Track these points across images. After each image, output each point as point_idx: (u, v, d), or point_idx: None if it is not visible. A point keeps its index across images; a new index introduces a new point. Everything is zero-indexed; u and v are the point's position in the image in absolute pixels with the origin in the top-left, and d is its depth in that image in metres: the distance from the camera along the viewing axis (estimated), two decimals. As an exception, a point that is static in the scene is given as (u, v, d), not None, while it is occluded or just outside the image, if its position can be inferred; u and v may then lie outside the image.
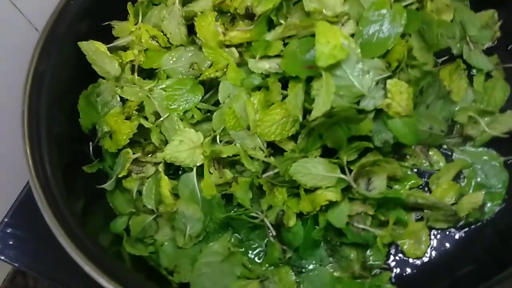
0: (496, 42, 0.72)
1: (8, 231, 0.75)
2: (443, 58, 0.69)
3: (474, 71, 0.70)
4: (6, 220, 0.76)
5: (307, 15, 0.60)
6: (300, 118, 0.54)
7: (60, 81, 0.64)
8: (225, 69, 0.59)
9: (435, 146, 0.64)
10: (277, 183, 0.58)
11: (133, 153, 0.63)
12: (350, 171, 0.56)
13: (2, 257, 0.73)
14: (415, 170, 0.63)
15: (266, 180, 0.58)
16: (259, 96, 0.56)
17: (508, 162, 0.62)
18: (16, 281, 0.87)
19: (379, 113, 0.55)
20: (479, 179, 0.61)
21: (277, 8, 0.58)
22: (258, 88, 0.58)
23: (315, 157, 0.56)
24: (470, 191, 0.60)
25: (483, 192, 0.59)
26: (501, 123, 0.63)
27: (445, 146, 0.64)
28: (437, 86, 0.62)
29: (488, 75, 0.69)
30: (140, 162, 0.64)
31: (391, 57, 0.55)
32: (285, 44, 0.58)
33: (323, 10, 0.57)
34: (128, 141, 0.63)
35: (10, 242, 0.75)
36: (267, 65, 0.58)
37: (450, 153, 0.64)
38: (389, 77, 0.54)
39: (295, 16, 0.62)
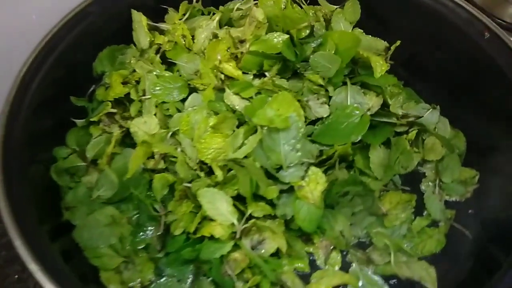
0: (463, 200, 0.72)
1: None
2: (407, 188, 0.72)
3: (425, 212, 0.71)
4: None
5: (300, 79, 0.68)
6: (229, 155, 0.60)
7: (100, 26, 0.76)
8: (205, 86, 0.68)
9: (341, 250, 0.66)
10: (190, 196, 0.64)
11: (113, 109, 0.74)
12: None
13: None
14: (311, 258, 0.66)
15: (182, 188, 0.64)
16: (215, 121, 0.64)
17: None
18: None
19: (293, 190, 0.60)
20: (354, 300, 0.62)
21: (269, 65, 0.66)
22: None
23: (227, 195, 0.62)
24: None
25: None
26: (410, 268, 0.64)
27: (349, 256, 0.66)
28: (370, 201, 0.65)
29: (434, 223, 0.70)
30: (112, 119, 0.74)
31: (328, 150, 0.60)
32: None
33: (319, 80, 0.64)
34: (113, 99, 0.74)
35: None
36: (236, 102, 0.65)
37: (350, 263, 0.66)
38: (315, 165, 0.59)
39: (292, 78, 0.70)
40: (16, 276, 0.80)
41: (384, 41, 0.80)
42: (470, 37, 0.74)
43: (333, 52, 0.65)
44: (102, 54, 0.78)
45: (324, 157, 0.60)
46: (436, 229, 0.69)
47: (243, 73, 0.68)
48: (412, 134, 0.69)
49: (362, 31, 0.81)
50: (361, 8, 0.81)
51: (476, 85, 0.76)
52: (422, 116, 0.71)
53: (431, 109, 0.75)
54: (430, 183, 0.73)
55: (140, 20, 0.79)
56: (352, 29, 0.80)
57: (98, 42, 0.79)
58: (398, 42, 0.77)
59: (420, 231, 0.68)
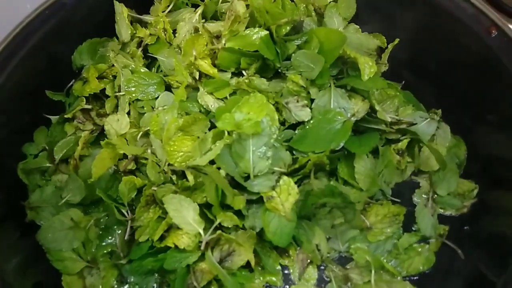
0: (458, 215, 0.66)
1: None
2: (397, 199, 0.66)
3: (415, 226, 0.65)
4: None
5: (284, 79, 0.63)
6: (196, 160, 0.56)
7: (81, 17, 0.72)
8: (179, 84, 0.63)
9: (318, 265, 0.61)
10: (158, 202, 0.61)
11: (89, 105, 0.71)
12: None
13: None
14: (286, 271, 0.61)
15: (150, 193, 0.61)
16: (185, 122, 0.59)
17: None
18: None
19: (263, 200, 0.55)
20: (329, 322, 0.57)
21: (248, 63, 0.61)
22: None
23: (195, 202, 0.57)
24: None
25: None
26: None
27: (327, 272, 0.61)
28: (351, 213, 0.59)
29: (424, 240, 0.64)
30: (88, 115, 0.71)
31: (301, 159, 0.55)
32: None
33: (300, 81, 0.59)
34: (90, 95, 0.70)
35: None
36: (211, 102, 0.61)
37: (328, 279, 0.61)
38: (287, 174, 0.54)
39: (275, 78, 0.65)
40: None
41: (386, 39, 0.74)
42: (476, 34, 0.67)
43: (317, 51, 0.59)
44: (81, 47, 0.75)
45: (296, 166, 0.55)
46: (426, 246, 0.63)
47: (221, 71, 0.64)
48: (403, 143, 0.63)
49: (358, 27, 0.75)
50: (363, 3, 0.75)
51: (483, 88, 0.69)
52: (416, 123, 0.65)
53: (428, 119, 0.68)
54: (423, 195, 0.67)
55: (121, 12, 0.75)
56: (348, 25, 0.75)
57: (80, 34, 0.75)
58: (397, 41, 0.72)
59: (408, 248, 0.62)
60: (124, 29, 0.75)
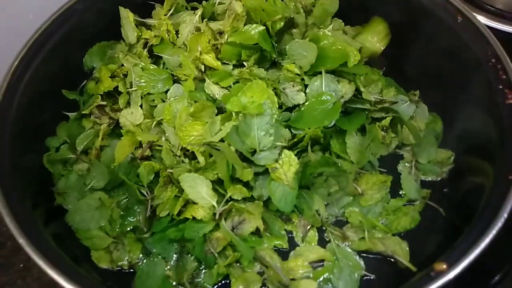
0: (438, 179, 0.75)
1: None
2: (384, 170, 0.75)
3: (401, 191, 0.74)
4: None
5: (279, 69, 0.71)
6: (210, 138, 0.64)
7: (90, 22, 0.81)
8: (187, 77, 0.71)
9: (318, 228, 0.69)
10: (174, 181, 0.68)
11: (103, 102, 0.78)
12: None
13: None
14: (290, 235, 0.69)
15: (167, 174, 0.68)
16: (195, 108, 0.67)
17: (365, 279, 0.66)
18: None
19: (269, 172, 0.63)
20: (331, 276, 0.65)
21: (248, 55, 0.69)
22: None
23: (207, 179, 0.65)
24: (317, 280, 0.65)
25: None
26: (384, 243, 0.67)
27: (326, 234, 0.69)
28: (345, 181, 0.68)
29: (410, 202, 0.73)
30: (102, 111, 0.79)
31: (299, 134, 0.63)
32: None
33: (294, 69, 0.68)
34: (103, 92, 0.78)
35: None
36: (216, 91, 0.69)
37: (327, 240, 0.69)
38: (288, 148, 0.62)
39: (271, 68, 0.73)
40: (22, 265, 0.85)
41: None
42: (444, 21, 0.76)
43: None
44: (91, 50, 0.83)
45: (295, 140, 0.63)
46: (411, 207, 0.72)
47: (223, 63, 0.72)
48: (386, 121, 0.72)
49: (341, 21, 0.84)
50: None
51: (452, 70, 0.78)
52: (397, 102, 0.74)
53: (408, 102, 0.77)
54: (407, 164, 0.76)
55: (127, 16, 0.83)
56: (332, 19, 0.84)
57: (89, 38, 0.83)
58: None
59: (396, 210, 0.71)
60: (130, 32, 0.83)
